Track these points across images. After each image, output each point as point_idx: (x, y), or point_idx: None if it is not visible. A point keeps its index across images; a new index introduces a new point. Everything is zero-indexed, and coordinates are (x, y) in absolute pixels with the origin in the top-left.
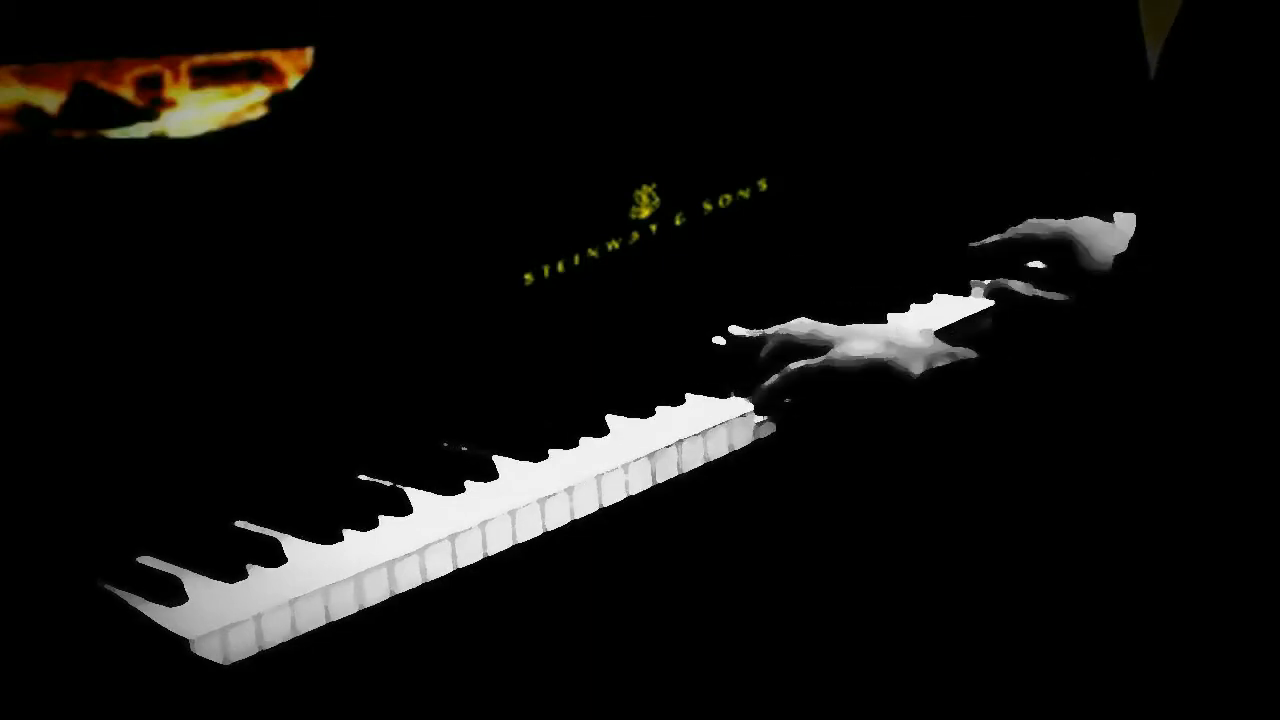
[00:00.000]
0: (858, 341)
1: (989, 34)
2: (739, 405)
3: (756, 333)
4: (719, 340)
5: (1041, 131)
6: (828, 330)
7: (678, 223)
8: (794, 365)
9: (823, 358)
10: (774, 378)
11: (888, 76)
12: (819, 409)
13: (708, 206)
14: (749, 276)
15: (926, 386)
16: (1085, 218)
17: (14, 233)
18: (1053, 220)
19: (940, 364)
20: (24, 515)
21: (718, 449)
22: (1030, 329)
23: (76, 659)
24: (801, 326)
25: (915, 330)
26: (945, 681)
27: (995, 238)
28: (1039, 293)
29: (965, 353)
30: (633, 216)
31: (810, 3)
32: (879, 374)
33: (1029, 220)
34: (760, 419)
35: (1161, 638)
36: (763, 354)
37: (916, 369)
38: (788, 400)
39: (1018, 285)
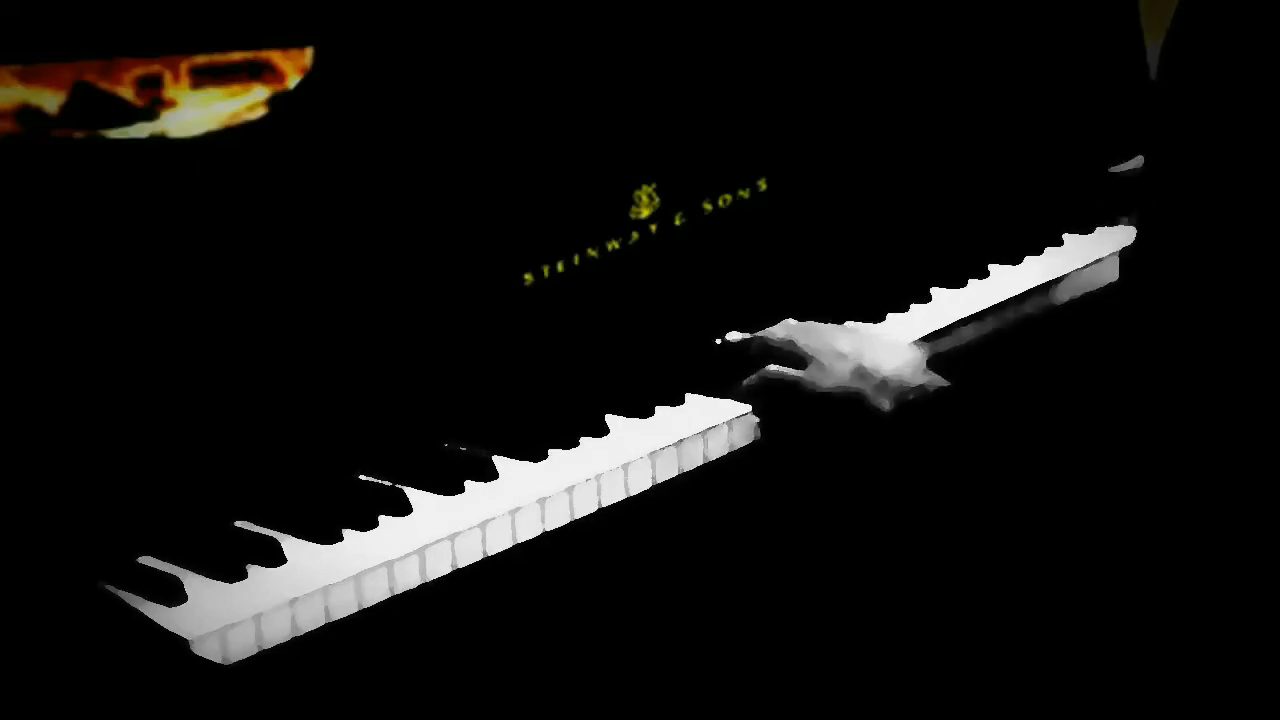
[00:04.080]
0: (831, 364)
1: (988, 34)
2: (739, 405)
3: (747, 336)
4: (727, 337)
5: (1042, 132)
6: (803, 341)
7: (678, 223)
8: (770, 369)
9: (795, 375)
10: (751, 378)
11: (887, 77)
12: (794, 418)
13: (708, 206)
14: (749, 277)
15: (897, 418)
16: None
17: (14, 233)
18: None
19: (910, 397)
20: (24, 515)
21: (718, 449)
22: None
23: (76, 659)
24: (780, 331)
25: (891, 353)
26: (941, 681)
27: None
28: None
29: (936, 381)
30: (633, 216)
31: (809, 3)
32: (849, 403)
33: None
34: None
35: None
36: (746, 353)
37: (886, 405)
38: (761, 400)
39: None
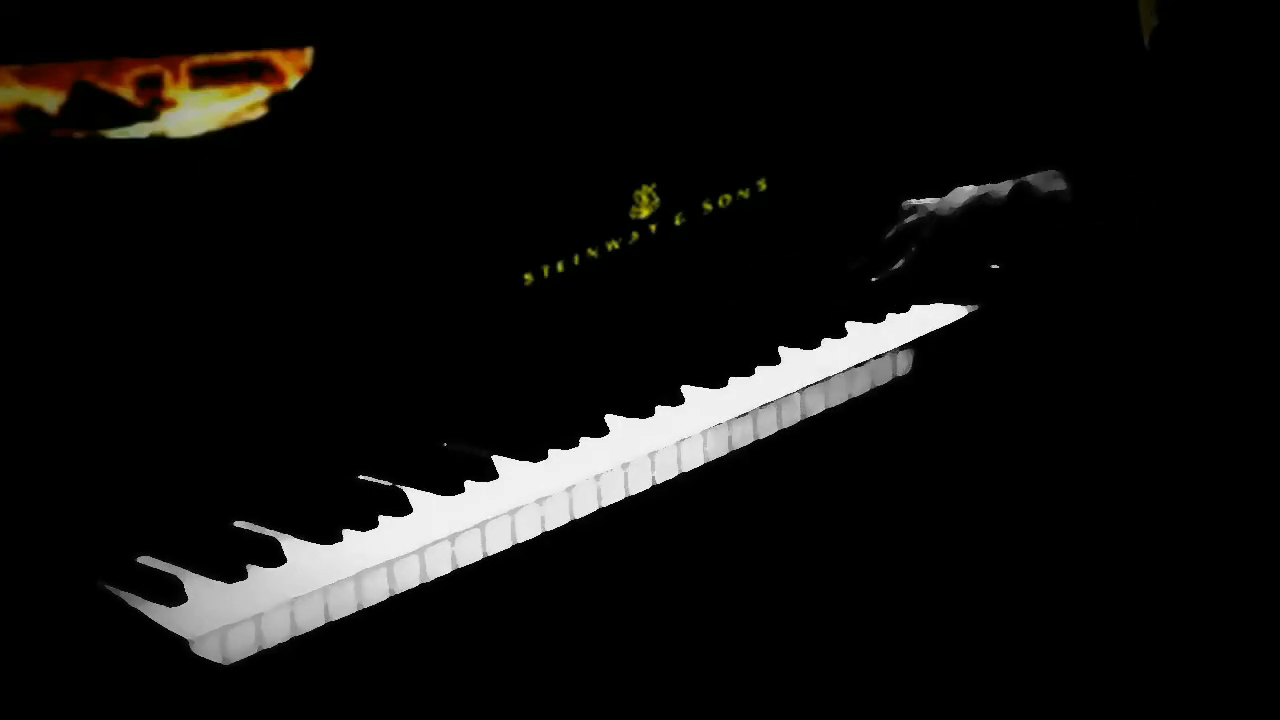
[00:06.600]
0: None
1: (987, 34)
2: (737, 405)
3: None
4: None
5: (1041, 131)
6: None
7: (678, 223)
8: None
9: (926, 214)
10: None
11: (886, 77)
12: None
13: (708, 206)
14: (749, 276)
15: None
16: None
17: (14, 233)
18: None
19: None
20: (24, 515)
21: (717, 449)
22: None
23: (76, 659)
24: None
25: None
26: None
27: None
28: None
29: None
30: (633, 216)
31: (808, 4)
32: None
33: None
34: (759, 420)
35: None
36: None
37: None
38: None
39: None
